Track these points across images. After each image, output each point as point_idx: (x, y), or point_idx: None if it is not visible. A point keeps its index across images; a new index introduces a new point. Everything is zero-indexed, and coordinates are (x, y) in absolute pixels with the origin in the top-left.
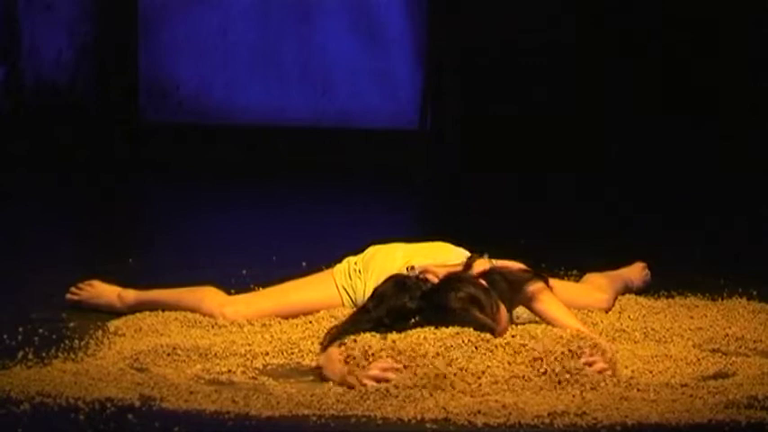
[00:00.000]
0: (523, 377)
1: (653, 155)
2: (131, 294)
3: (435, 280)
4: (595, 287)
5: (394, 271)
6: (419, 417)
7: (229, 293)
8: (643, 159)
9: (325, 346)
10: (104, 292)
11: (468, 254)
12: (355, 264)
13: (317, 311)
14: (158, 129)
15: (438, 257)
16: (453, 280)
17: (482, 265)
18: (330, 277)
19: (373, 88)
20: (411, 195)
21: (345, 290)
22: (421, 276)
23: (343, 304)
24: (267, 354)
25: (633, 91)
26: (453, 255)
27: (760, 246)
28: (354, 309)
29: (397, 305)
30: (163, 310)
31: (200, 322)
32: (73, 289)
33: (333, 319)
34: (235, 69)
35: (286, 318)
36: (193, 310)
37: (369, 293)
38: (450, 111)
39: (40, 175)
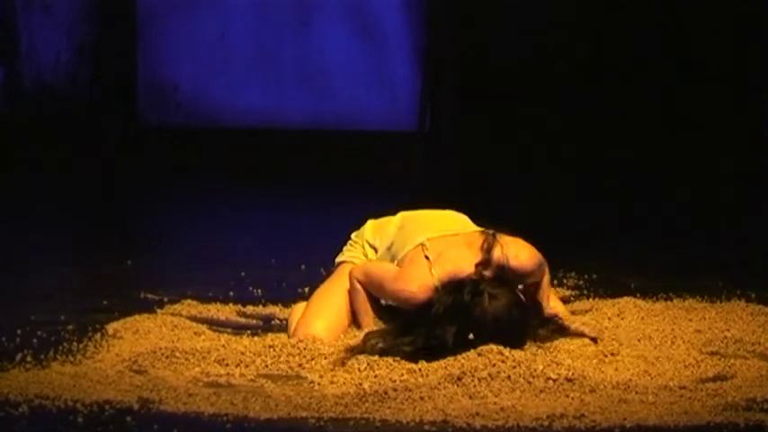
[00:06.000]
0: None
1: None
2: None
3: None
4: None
5: (391, 231)
6: (417, 419)
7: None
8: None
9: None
10: None
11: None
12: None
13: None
14: (157, 130)
15: (434, 226)
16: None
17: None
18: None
19: (372, 90)
20: (410, 197)
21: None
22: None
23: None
24: (265, 356)
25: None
26: (457, 224)
27: (758, 247)
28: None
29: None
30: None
31: (197, 325)
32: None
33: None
34: (233, 71)
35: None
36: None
37: (368, 250)
38: (448, 112)
39: (39, 176)
